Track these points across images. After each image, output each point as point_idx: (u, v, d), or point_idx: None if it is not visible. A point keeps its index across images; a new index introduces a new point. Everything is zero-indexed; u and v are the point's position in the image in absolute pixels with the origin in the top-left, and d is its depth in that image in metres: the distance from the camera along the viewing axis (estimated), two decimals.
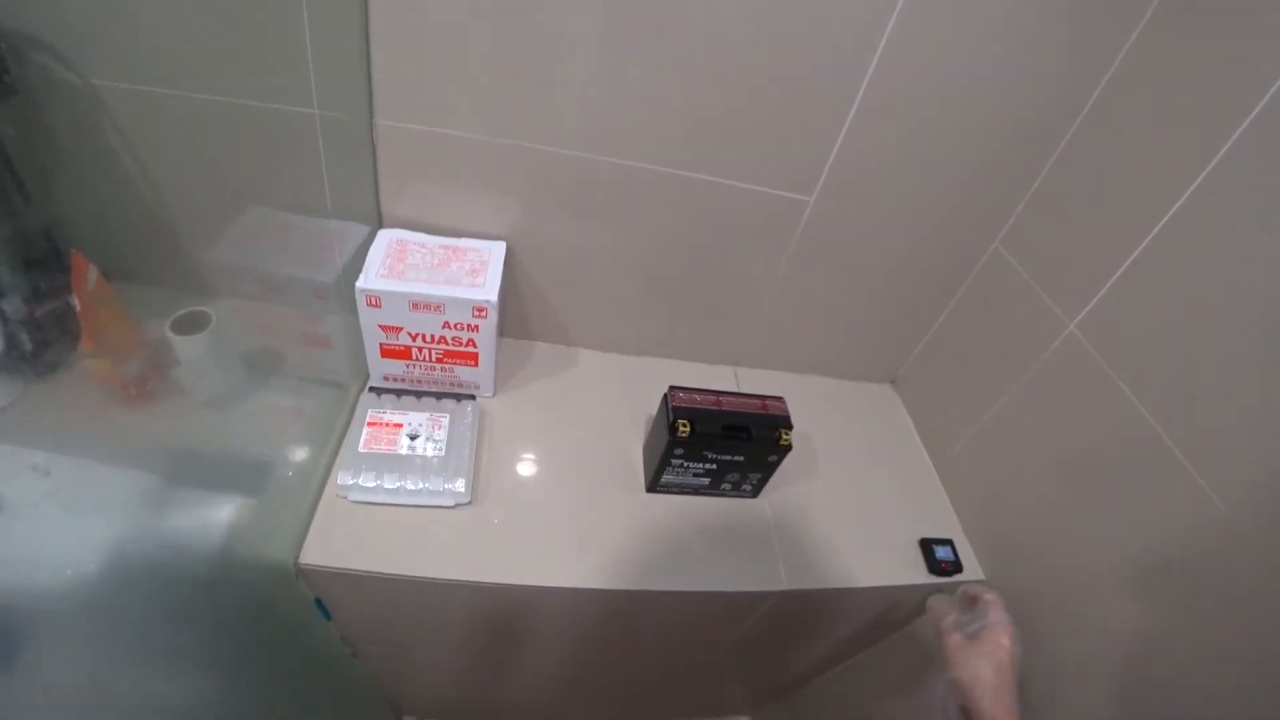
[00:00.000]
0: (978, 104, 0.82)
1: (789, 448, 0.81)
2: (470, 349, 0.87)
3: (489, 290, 0.82)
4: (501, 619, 0.91)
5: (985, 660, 0.70)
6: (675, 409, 0.79)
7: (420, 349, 0.87)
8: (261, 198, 0.88)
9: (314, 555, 0.76)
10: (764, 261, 0.98)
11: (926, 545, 0.98)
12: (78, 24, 0.71)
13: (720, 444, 0.80)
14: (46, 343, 0.80)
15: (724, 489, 0.91)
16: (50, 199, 0.81)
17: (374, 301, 0.81)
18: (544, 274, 0.99)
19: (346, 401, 0.92)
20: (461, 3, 0.72)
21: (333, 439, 0.88)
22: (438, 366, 0.90)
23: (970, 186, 0.92)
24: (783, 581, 0.87)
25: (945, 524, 1.03)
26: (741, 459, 0.83)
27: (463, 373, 0.91)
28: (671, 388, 0.82)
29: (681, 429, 0.78)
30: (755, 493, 0.92)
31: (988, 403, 0.98)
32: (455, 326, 0.84)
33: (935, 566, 0.96)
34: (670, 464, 0.83)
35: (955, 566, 0.96)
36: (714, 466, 0.84)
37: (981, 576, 0.97)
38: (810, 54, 0.76)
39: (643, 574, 0.82)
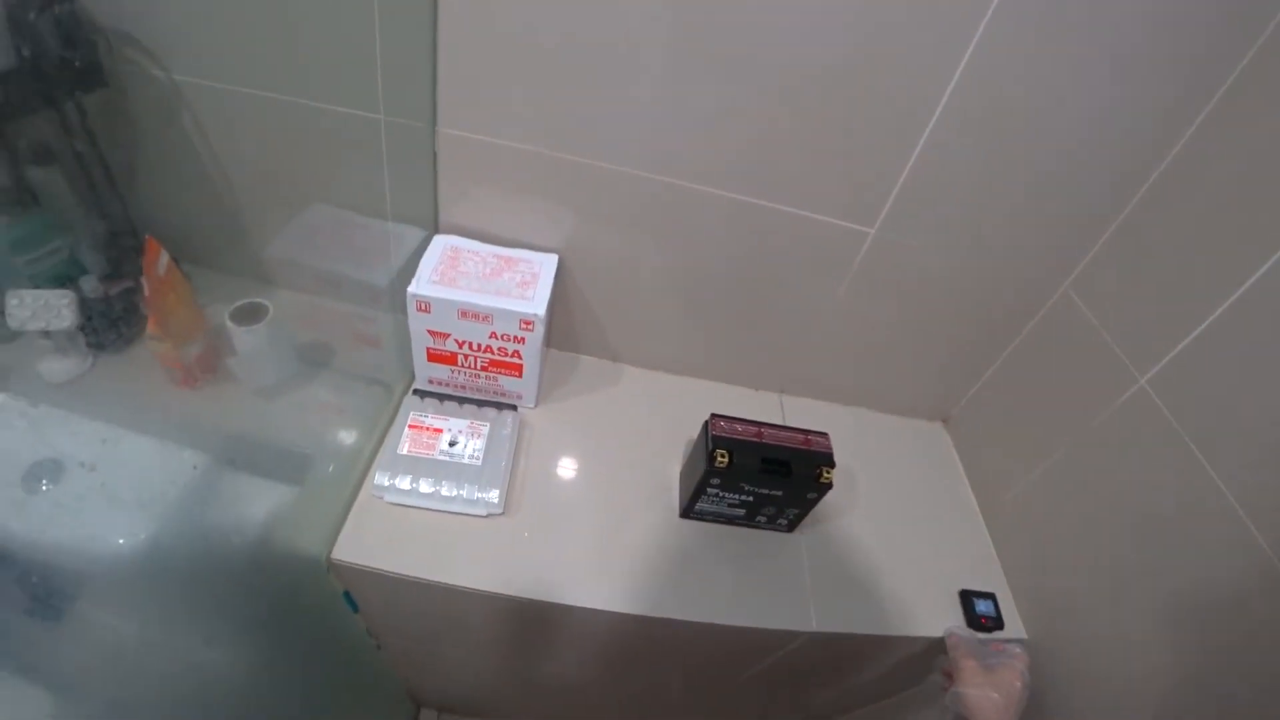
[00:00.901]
0: (1058, 138, 0.78)
1: (829, 486, 0.79)
2: (515, 360, 0.87)
3: (537, 304, 0.82)
4: (523, 629, 0.91)
5: (996, 687, 0.74)
6: (715, 438, 0.78)
7: (466, 356, 0.88)
8: (324, 196, 0.90)
9: (345, 551, 0.77)
10: (818, 290, 0.96)
11: (967, 597, 0.94)
12: (166, 23, 0.75)
13: (758, 477, 0.78)
14: (118, 321, 0.84)
15: (759, 521, 0.89)
16: (130, 185, 0.85)
17: (423, 307, 0.82)
18: (595, 289, 0.99)
19: (390, 401, 0.93)
20: (529, 15, 0.72)
21: (374, 437, 0.89)
22: (482, 374, 0.90)
23: (1043, 224, 0.87)
24: (812, 623, 0.84)
25: (989, 575, 0.98)
26: (780, 494, 0.81)
27: (506, 382, 0.91)
28: (713, 416, 0.81)
29: (720, 459, 0.76)
30: (791, 527, 0.90)
31: (1044, 451, 0.94)
32: (502, 337, 0.84)
33: (975, 621, 0.92)
34: (706, 492, 0.81)
35: (996, 622, 0.92)
36: (750, 499, 0.82)
37: (1023, 635, 0.93)
38: (881, 83, 0.74)
39: (669, 600, 0.81)
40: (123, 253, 0.85)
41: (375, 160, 0.82)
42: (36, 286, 0.77)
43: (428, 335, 0.86)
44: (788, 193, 0.84)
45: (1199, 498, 0.70)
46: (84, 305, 0.80)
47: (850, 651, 0.94)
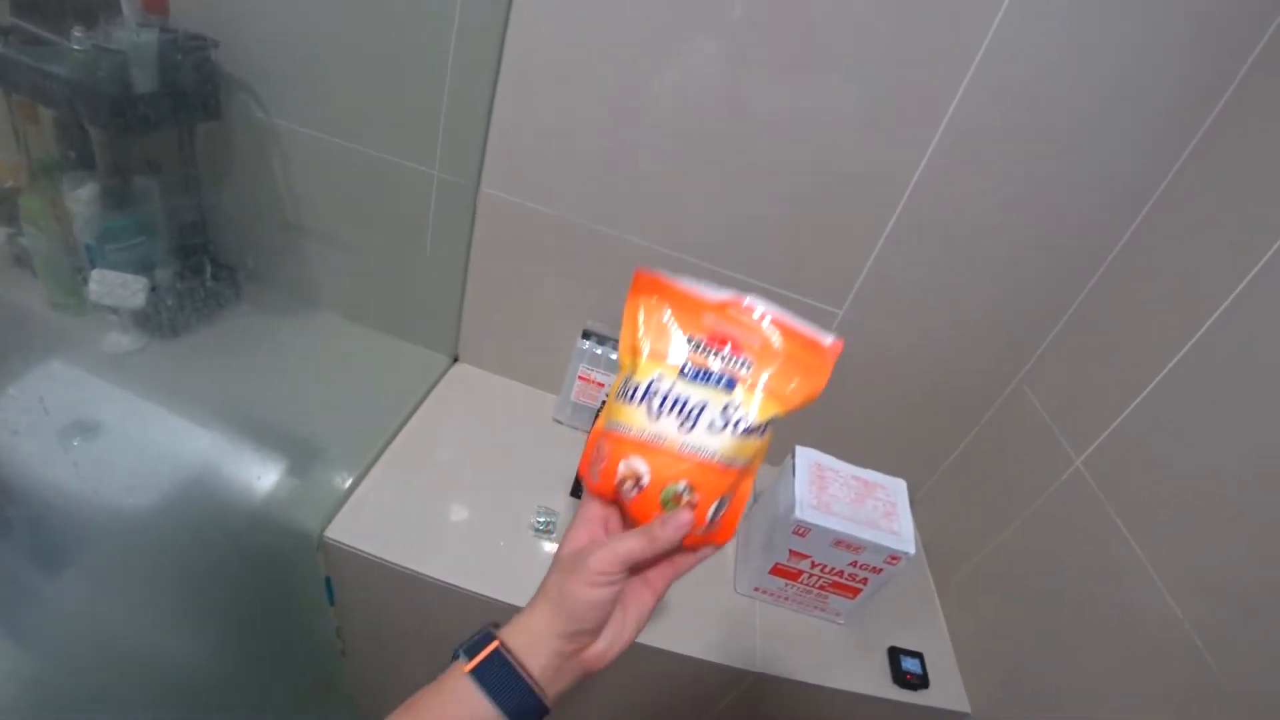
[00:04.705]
0: (1012, 239, 0.86)
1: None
2: (859, 585, 0.87)
3: (906, 541, 0.82)
4: None
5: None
6: None
7: (811, 576, 0.87)
8: (374, 233, 1.05)
9: (340, 531, 0.82)
10: None
11: (895, 654, 0.89)
12: (278, 77, 0.93)
13: None
14: (177, 313, 1.01)
15: None
16: (212, 203, 1.04)
17: (800, 531, 0.82)
18: None
19: (425, 382, 1.07)
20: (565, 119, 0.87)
21: (398, 420, 1.00)
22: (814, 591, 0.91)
23: (998, 320, 0.93)
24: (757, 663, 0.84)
25: (936, 649, 0.94)
26: None
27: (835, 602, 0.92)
28: (604, 402, 0.86)
29: None
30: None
31: (993, 532, 0.93)
32: (862, 567, 0.84)
33: (901, 678, 0.86)
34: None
35: (921, 681, 0.85)
36: None
37: (968, 709, 0.86)
38: (850, 185, 0.85)
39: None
40: (192, 258, 1.05)
41: (423, 209, 0.97)
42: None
43: (789, 555, 0.85)
44: (770, 272, 0.93)
45: (1122, 569, 0.71)
46: (155, 294, 0.95)
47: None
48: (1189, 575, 0.64)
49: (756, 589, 0.90)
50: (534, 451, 1.01)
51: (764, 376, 0.44)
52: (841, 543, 0.80)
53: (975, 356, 0.97)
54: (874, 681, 0.87)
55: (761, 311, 0.45)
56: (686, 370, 0.44)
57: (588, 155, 0.88)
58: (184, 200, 1.02)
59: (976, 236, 0.86)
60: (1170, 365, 0.72)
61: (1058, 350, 0.92)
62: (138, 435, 0.87)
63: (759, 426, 0.43)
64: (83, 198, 0.89)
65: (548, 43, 0.82)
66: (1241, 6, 0.70)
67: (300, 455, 0.94)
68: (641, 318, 0.46)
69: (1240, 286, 0.66)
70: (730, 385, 0.44)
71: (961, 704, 0.87)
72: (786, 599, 0.91)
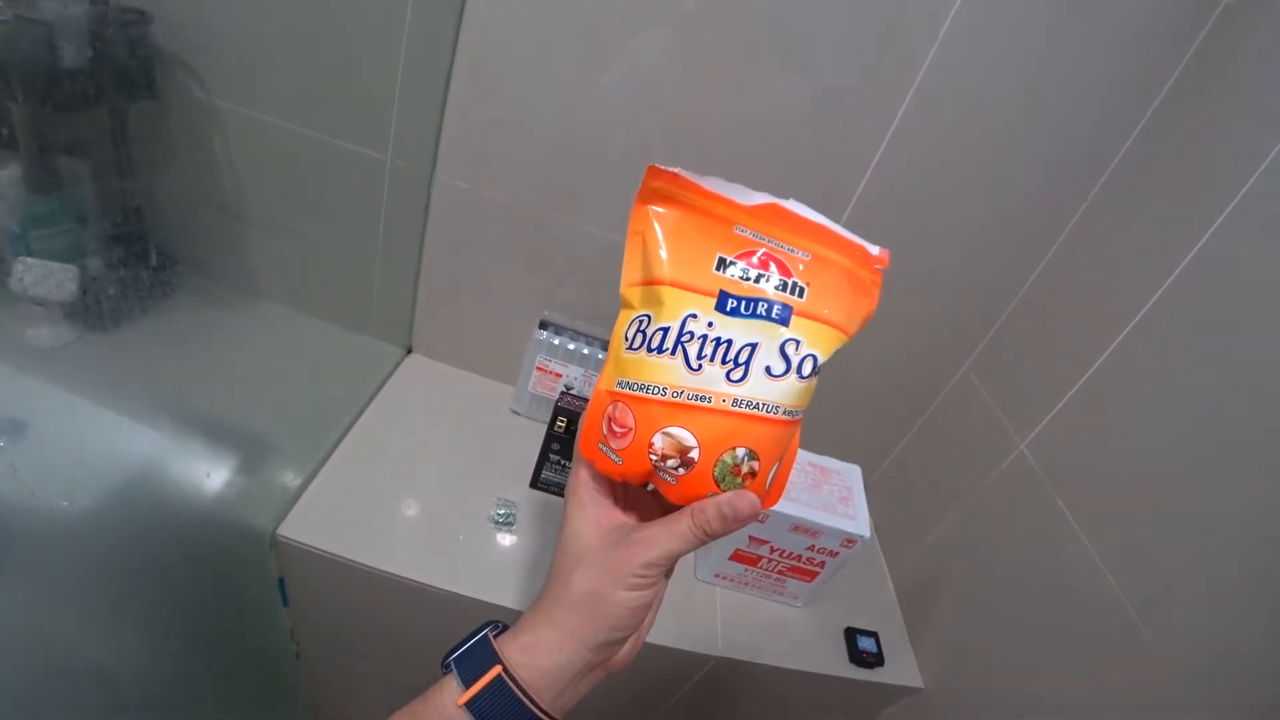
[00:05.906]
0: (959, 232, 0.89)
1: None
2: (816, 569, 0.88)
3: (862, 524, 0.83)
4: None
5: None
6: (559, 408, 0.83)
7: (771, 561, 0.87)
8: (323, 222, 1.01)
9: (294, 528, 0.79)
10: None
11: (851, 634, 0.91)
12: (219, 56, 0.88)
13: None
14: (113, 304, 0.96)
15: None
16: (149, 187, 0.98)
17: (760, 518, 0.77)
18: None
19: (377, 378, 1.04)
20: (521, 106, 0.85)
21: (351, 413, 0.97)
22: (774, 576, 0.91)
23: (946, 310, 0.96)
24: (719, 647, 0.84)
25: (890, 628, 0.97)
26: None
27: (793, 585, 0.92)
28: (563, 392, 0.86)
29: (559, 424, 0.81)
30: None
31: (942, 516, 0.96)
32: (820, 550, 0.85)
33: (857, 656, 0.88)
34: (549, 460, 0.85)
35: (877, 659, 0.87)
36: None
37: (920, 685, 0.89)
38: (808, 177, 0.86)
39: None
40: (130, 246, 0.99)
41: (376, 197, 0.93)
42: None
43: (749, 540, 0.85)
44: None
45: (1064, 547, 0.73)
46: (89, 284, 0.89)
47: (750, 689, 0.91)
48: (1124, 552, 0.67)
49: (717, 575, 0.91)
50: (491, 443, 0.99)
51: (822, 299, 0.36)
52: (799, 528, 0.82)
53: (924, 346, 1.00)
54: (831, 661, 0.89)
55: (808, 217, 0.36)
56: (727, 302, 0.35)
57: (545, 144, 0.87)
58: (119, 184, 0.96)
59: (925, 230, 0.88)
60: (1107, 352, 0.75)
61: (1002, 339, 0.96)
62: (74, 433, 0.80)
63: (824, 364, 0.36)
64: (3, 180, 0.83)
65: (505, 27, 0.80)
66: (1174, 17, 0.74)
67: (250, 451, 0.89)
68: (660, 233, 0.37)
69: (1170, 278, 0.69)
70: (784, 316, 0.35)
71: (915, 680, 0.90)
72: (746, 584, 0.92)
